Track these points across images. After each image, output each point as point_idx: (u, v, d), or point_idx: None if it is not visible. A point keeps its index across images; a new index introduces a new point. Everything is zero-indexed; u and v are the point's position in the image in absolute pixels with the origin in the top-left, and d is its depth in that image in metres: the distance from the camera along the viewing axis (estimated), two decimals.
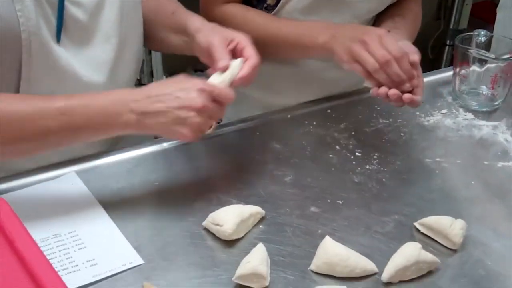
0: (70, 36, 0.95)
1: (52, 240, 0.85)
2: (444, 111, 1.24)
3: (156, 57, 2.50)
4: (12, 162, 0.99)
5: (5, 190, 0.93)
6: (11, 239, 0.59)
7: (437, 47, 2.93)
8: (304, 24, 1.15)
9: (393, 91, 1.00)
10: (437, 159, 1.09)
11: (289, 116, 1.21)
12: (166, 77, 2.31)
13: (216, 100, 0.89)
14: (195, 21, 1.04)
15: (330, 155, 1.09)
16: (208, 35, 0.99)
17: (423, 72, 1.09)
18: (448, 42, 2.87)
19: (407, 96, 1.01)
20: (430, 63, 2.77)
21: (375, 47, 1.01)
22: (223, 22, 1.12)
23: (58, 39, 0.93)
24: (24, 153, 0.90)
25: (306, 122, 1.18)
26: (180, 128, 0.87)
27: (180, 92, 0.88)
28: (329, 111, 1.22)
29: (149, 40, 1.14)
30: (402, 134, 1.16)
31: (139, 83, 2.14)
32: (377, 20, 1.28)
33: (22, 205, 0.69)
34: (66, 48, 0.95)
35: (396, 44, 1.01)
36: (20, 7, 0.86)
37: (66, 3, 0.93)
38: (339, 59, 1.06)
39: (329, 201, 0.98)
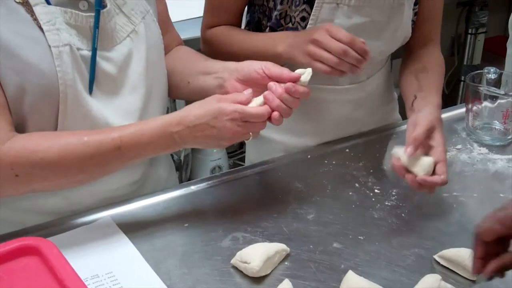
0: (101, 88, 1.03)
1: (91, 280, 0.91)
2: (459, 146, 1.29)
3: (180, 105, 2.57)
4: (50, 205, 1.06)
5: (47, 234, 0.99)
6: (61, 278, 0.64)
7: (452, 83, 2.98)
8: (268, 36, 1.23)
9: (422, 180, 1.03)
10: (454, 193, 1.14)
11: (309, 156, 1.26)
12: None
13: (249, 120, 0.98)
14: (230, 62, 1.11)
15: (350, 193, 1.14)
16: (248, 63, 1.07)
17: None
18: (463, 78, 2.91)
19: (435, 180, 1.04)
20: (446, 99, 2.81)
21: (328, 41, 1.08)
22: (212, 42, 1.26)
23: (90, 90, 1.01)
24: (82, 183, 1.02)
25: (326, 161, 1.24)
26: (219, 145, 1.01)
27: (213, 121, 0.97)
28: (347, 150, 1.28)
29: (174, 89, 1.20)
30: None
31: None
32: (401, 75, 1.34)
33: (63, 248, 0.74)
34: (97, 99, 1.02)
35: (342, 31, 1.09)
36: (59, 62, 0.94)
37: (98, 58, 1.00)
38: (300, 64, 1.12)
39: (350, 237, 1.02)
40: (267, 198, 1.13)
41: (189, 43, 1.47)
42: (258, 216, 1.07)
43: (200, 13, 1.33)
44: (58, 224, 1.04)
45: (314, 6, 1.19)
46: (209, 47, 1.30)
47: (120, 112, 1.06)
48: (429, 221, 1.06)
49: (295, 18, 1.22)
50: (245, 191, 1.16)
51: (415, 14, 1.31)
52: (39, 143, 0.93)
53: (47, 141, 0.94)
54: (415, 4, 1.29)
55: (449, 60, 2.97)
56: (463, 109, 1.36)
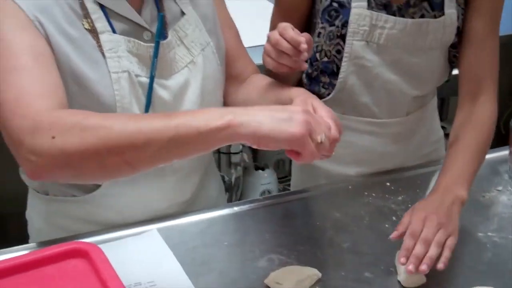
0: (156, 112, 1.09)
1: (133, 287, 0.98)
2: (500, 188, 1.31)
3: None
4: (103, 218, 1.15)
5: (97, 241, 1.07)
6: (105, 281, 0.72)
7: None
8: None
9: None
10: (489, 234, 1.16)
11: (350, 187, 1.31)
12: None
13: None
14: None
15: (387, 225, 1.18)
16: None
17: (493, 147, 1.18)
18: None
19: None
20: (502, 139, 2.78)
21: (270, 35, 1.06)
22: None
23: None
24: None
25: (366, 193, 1.28)
26: (288, 126, 0.84)
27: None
28: (388, 183, 1.32)
29: None
30: None
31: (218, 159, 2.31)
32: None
33: (110, 255, 0.82)
34: None
35: (287, 27, 1.04)
36: (117, 87, 1.02)
37: (155, 85, 1.08)
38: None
39: (382, 267, 1.06)
40: (305, 224, 1.19)
41: None
42: (295, 240, 1.13)
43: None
44: (107, 233, 1.12)
45: (346, 42, 1.24)
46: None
47: None
48: (460, 258, 1.09)
49: (330, 52, 1.27)
50: (284, 216, 1.22)
51: (454, 55, 1.32)
52: (84, 112, 0.90)
53: (97, 116, 0.89)
54: (453, 47, 1.30)
55: (509, 98, 2.94)
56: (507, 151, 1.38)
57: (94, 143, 0.84)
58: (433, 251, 1.02)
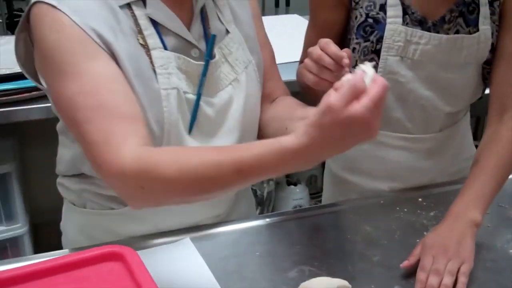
0: (200, 129, 1.12)
1: None
2: None
3: None
4: (139, 232, 1.17)
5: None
6: (139, 283, 0.74)
7: None
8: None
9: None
10: None
11: (382, 201, 1.32)
12: None
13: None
14: None
15: (418, 240, 1.17)
16: None
17: None
18: None
19: None
20: None
21: (311, 51, 1.05)
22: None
23: (190, 131, 1.10)
24: (202, 200, 1.03)
25: (398, 208, 1.29)
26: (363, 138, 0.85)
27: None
28: (420, 199, 1.32)
29: (272, 137, 1.21)
30: (488, 225, 1.23)
31: None
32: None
33: (145, 260, 0.84)
34: (195, 139, 1.11)
35: (329, 43, 1.03)
36: (166, 103, 1.04)
37: (201, 102, 1.10)
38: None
39: (412, 281, 1.06)
40: (336, 237, 1.20)
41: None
42: (326, 252, 1.14)
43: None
44: (142, 241, 1.15)
45: (380, 57, 1.26)
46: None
47: None
48: (493, 275, 1.08)
49: None
50: (315, 228, 1.23)
51: (488, 72, 1.32)
52: (161, 158, 0.91)
53: (169, 156, 0.91)
54: (487, 64, 1.31)
55: None
56: None
57: (184, 192, 0.91)
58: (447, 279, 1.03)
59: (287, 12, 5.40)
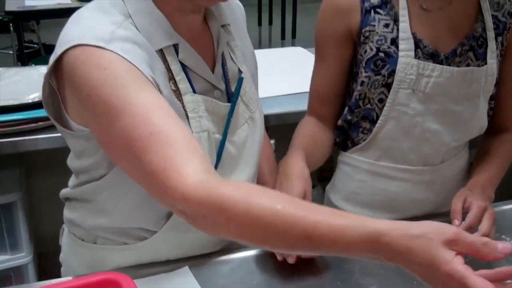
0: (222, 166, 1.15)
1: None
2: None
3: None
4: (145, 260, 1.18)
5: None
6: None
7: None
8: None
9: None
10: None
11: None
12: None
13: None
14: None
15: None
16: None
17: None
18: None
19: None
20: None
21: None
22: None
23: (215, 169, 1.12)
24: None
25: None
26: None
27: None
28: None
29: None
30: None
31: None
32: (477, 150, 1.41)
33: None
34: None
35: None
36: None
37: (226, 142, 1.14)
38: None
39: None
40: (332, 266, 1.20)
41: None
42: (322, 282, 1.15)
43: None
44: (141, 269, 1.16)
45: (391, 90, 1.28)
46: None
47: None
48: None
49: (373, 99, 1.32)
50: (313, 258, 1.24)
51: (491, 108, 1.37)
52: (230, 193, 0.87)
53: (239, 193, 0.87)
54: (492, 99, 1.36)
55: None
56: None
57: (245, 235, 0.88)
58: None
59: (293, 44, 5.49)
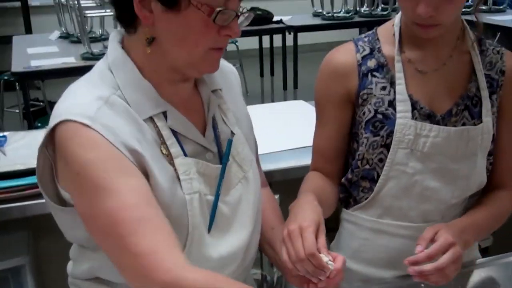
0: (216, 226, 1.17)
1: None
2: None
3: None
4: None
5: None
6: None
7: None
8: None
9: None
10: None
11: None
12: None
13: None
14: None
15: None
16: None
17: None
18: None
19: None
20: None
21: (294, 241, 1.09)
22: None
23: (209, 230, 1.15)
24: None
25: None
26: None
27: None
28: (423, 285, 1.33)
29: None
30: None
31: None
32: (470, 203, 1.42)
33: None
34: (213, 237, 1.16)
35: (311, 241, 1.08)
36: (190, 207, 1.10)
37: (219, 203, 1.16)
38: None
39: None
40: None
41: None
42: None
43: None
44: None
45: (390, 150, 1.31)
46: None
47: (231, 246, 1.19)
48: None
49: (372, 160, 1.34)
50: None
51: (490, 163, 1.39)
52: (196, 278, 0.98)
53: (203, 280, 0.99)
54: (490, 155, 1.37)
55: None
56: None
57: None
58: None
59: (295, 94, 5.55)
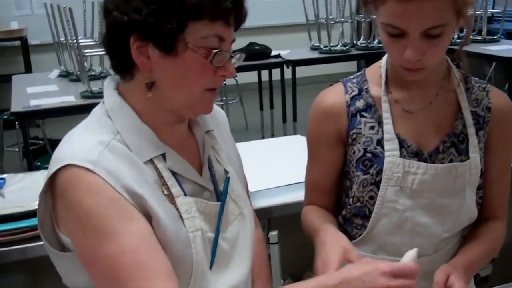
0: (217, 262, 1.18)
1: None
2: None
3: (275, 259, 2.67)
4: None
5: None
6: None
7: None
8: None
9: None
10: None
11: None
12: (284, 279, 2.48)
13: (401, 276, 1.07)
14: None
15: None
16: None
17: None
18: None
19: None
20: None
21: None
22: (301, 219, 1.39)
23: (211, 266, 1.16)
24: None
25: None
26: None
27: (366, 276, 1.07)
28: None
29: None
30: None
31: None
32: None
33: None
34: (214, 273, 1.17)
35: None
36: (194, 245, 1.11)
37: (219, 239, 1.17)
38: None
39: None
40: None
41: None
42: None
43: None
44: None
45: (380, 188, 1.31)
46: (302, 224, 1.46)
47: (232, 281, 1.20)
48: None
49: (363, 197, 1.35)
50: None
51: (480, 197, 1.39)
52: None
53: None
54: (479, 189, 1.38)
55: None
56: None
57: None
58: None
59: (294, 127, 5.57)
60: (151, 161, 1.12)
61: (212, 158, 1.25)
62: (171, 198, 1.12)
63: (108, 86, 1.17)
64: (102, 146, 1.07)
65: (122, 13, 1.06)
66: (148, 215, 1.07)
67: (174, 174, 1.14)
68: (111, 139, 1.09)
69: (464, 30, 1.36)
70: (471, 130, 1.36)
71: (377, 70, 1.41)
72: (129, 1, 1.06)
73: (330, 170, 1.42)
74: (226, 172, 1.26)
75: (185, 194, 1.14)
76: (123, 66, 1.12)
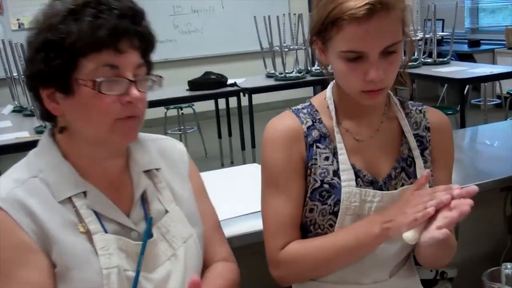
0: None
1: None
2: None
3: None
4: None
5: None
6: None
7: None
8: (355, 227, 1.32)
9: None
10: None
11: None
12: None
13: None
14: None
15: None
16: None
17: None
18: None
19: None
20: None
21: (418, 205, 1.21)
22: (292, 261, 1.34)
23: None
24: None
25: None
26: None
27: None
28: None
29: None
30: None
31: None
32: None
33: None
34: None
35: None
36: (106, 281, 1.11)
37: (140, 278, 1.16)
38: (400, 233, 1.23)
39: None
40: None
41: None
42: None
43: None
44: None
45: (338, 217, 1.34)
46: (288, 268, 1.37)
47: None
48: None
49: (323, 225, 1.37)
50: None
51: None
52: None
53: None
54: None
55: (504, 239, 2.97)
56: None
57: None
58: None
59: (253, 154, 5.60)
60: (69, 199, 1.14)
61: (152, 197, 1.25)
62: (88, 235, 1.13)
63: (45, 130, 1.22)
64: (16, 184, 1.11)
65: (26, 68, 1.16)
66: (51, 251, 1.09)
67: (95, 211, 1.16)
68: (29, 177, 1.13)
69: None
70: (416, 153, 1.40)
71: (323, 102, 1.43)
72: (27, 54, 1.14)
73: (302, 200, 1.37)
74: (167, 212, 1.25)
75: (106, 231, 1.15)
76: (44, 114, 1.18)
